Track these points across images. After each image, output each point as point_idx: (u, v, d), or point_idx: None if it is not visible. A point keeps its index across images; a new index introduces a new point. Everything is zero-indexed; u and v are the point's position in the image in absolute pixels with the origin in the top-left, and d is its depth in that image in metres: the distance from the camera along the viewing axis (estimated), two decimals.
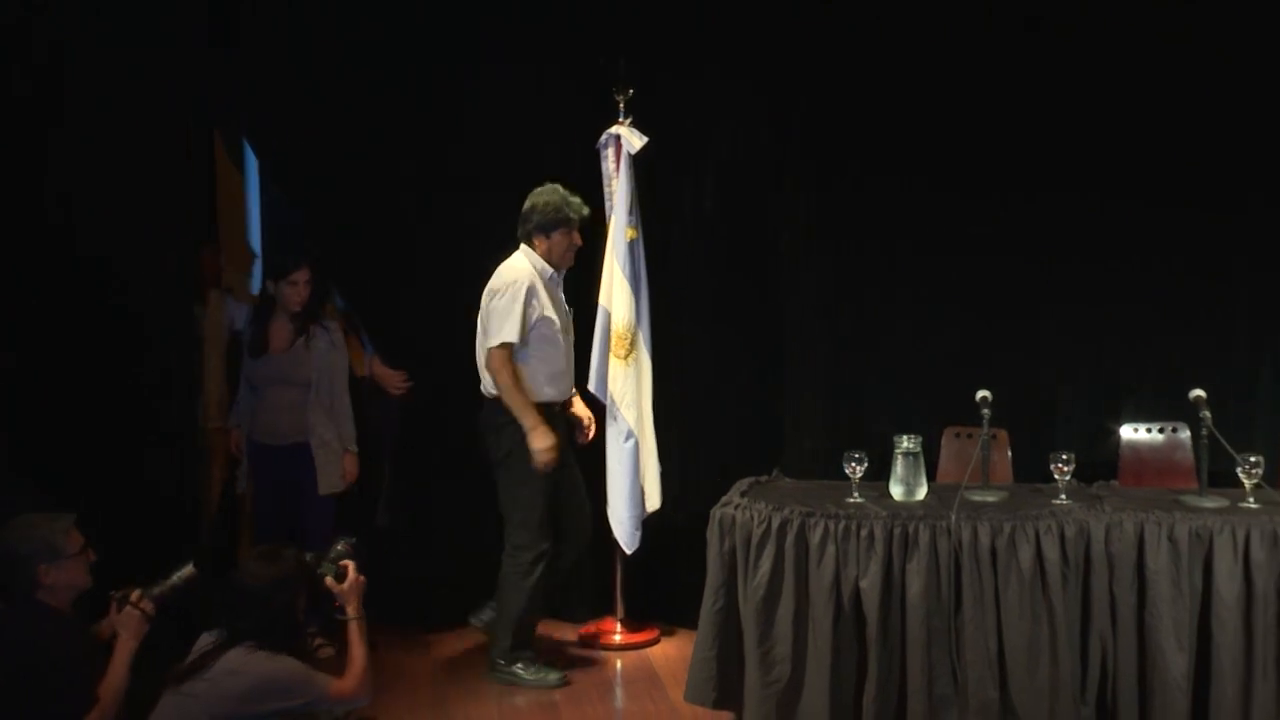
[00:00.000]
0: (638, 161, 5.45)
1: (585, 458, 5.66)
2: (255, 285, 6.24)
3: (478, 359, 5.17)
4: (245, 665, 3.58)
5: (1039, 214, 5.70)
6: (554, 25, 5.68)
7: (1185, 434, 5.26)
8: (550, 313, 5.08)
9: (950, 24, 5.67)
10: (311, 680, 3.66)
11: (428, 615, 5.76)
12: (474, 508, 5.77)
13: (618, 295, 5.45)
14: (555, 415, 5.17)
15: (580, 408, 5.40)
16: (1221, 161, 5.66)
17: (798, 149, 5.85)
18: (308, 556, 3.89)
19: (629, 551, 5.52)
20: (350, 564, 3.93)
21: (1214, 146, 5.63)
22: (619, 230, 5.45)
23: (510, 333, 4.96)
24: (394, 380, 5.64)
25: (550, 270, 5.14)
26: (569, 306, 5.28)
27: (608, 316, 5.50)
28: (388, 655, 5.29)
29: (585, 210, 5.19)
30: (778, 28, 5.72)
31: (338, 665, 3.87)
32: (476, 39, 5.68)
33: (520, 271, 5.06)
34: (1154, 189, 5.68)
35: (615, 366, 5.45)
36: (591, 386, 5.53)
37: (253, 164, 6.33)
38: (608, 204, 5.56)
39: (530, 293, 5.01)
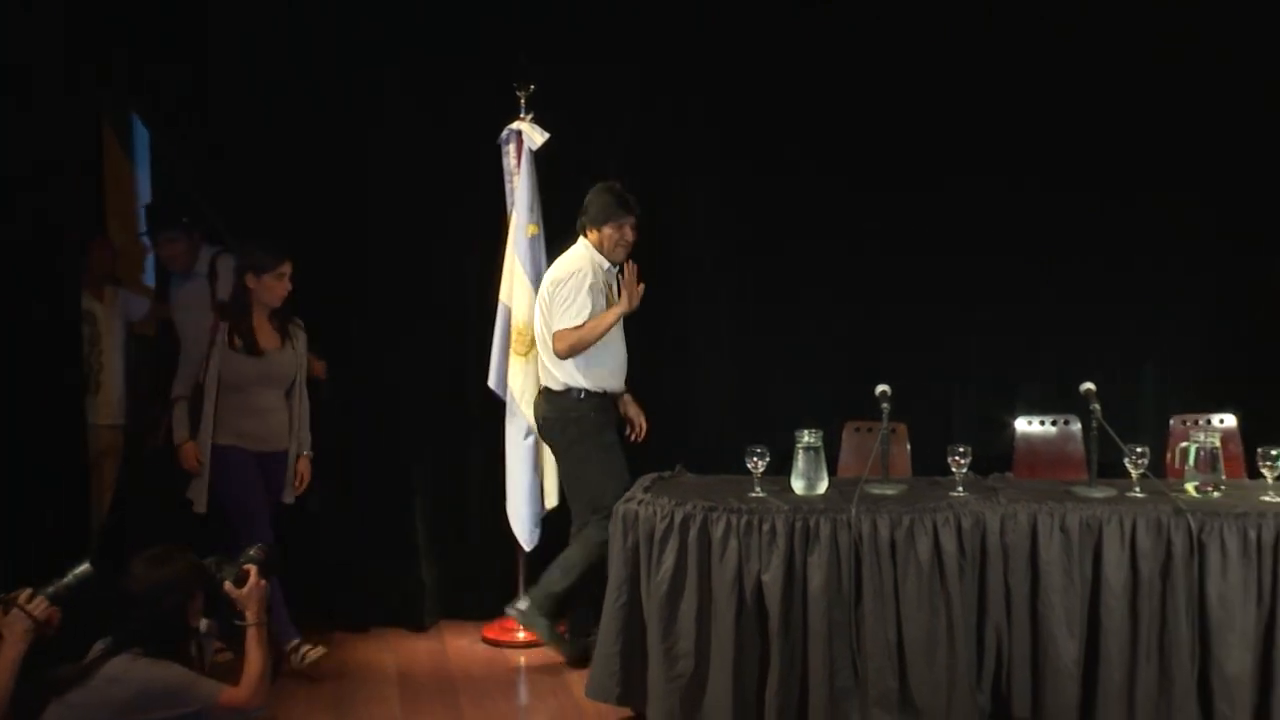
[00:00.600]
0: (540, 157, 5.43)
1: (486, 454, 5.63)
2: (150, 279, 6.09)
3: (539, 352, 5.22)
4: (127, 673, 3.47)
5: (934, 210, 5.82)
6: (457, 18, 5.64)
7: (1077, 426, 5.39)
8: (605, 306, 5.14)
9: (849, 20, 5.76)
10: (197, 687, 3.55)
11: (333, 615, 5.68)
12: (381, 510, 5.75)
13: (519, 292, 5.43)
14: (611, 405, 5.25)
15: (633, 407, 5.39)
16: (1110, 160, 5.82)
17: (700, 145, 5.88)
18: (209, 560, 3.80)
19: (528, 548, 5.51)
20: (253, 569, 3.83)
21: (1103, 145, 5.81)
22: (520, 227, 5.43)
23: (578, 318, 5.03)
24: (319, 370, 5.47)
25: (605, 262, 5.18)
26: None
27: (508, 313, 5.47)
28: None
29: (637, 209, 5.19)
30: (682, 23, 5.75)
31: (236, 671, 3.78)
32: (378, 32, 5.63)
33: (581, 260, 5.14)
34: (1046, 184, 5.82)
35: (515, 363, 5.44)
36: (491, 383, 5.51)
37: (144, 157, 6.18)
38: (509, 200, 5.53)
39: (595, 282, 5.09)
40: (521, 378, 5.42)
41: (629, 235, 5.17)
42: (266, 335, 5.10)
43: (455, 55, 5.65)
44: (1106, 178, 5.86)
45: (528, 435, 5.42)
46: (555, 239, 5.50)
